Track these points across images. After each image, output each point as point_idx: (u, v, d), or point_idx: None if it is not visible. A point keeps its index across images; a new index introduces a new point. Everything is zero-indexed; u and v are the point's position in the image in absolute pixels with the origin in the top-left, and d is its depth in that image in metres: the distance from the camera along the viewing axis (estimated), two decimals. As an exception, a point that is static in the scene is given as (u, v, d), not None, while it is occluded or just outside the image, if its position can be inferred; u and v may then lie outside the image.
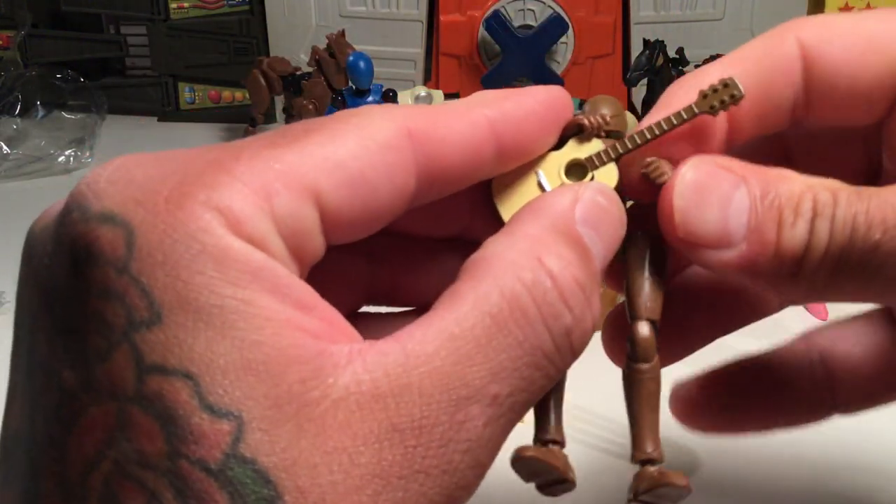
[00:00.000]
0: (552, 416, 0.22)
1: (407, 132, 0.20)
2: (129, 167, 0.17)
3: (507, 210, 0.23)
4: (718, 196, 0.21)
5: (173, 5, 0.88)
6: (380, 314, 0.27)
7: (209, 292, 0.16)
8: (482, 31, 0.81)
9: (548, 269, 0.19)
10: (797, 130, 0.25)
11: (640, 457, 0.22)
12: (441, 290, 0.19)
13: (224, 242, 0.16)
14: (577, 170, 0.24)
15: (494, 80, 0.79)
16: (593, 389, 0.33)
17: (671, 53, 0.74)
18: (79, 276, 0.17)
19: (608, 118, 0.23)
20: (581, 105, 0.26)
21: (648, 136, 0.23)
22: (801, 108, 0.24)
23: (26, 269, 0.18)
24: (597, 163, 0.23)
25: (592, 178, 0.23)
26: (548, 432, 0.22)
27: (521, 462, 0.21)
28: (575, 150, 0.24)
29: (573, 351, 0.19)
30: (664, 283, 0.23)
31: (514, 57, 0.79)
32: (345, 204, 0.19)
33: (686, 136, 0.23)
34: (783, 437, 0.41)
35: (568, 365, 0.20)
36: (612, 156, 0.23)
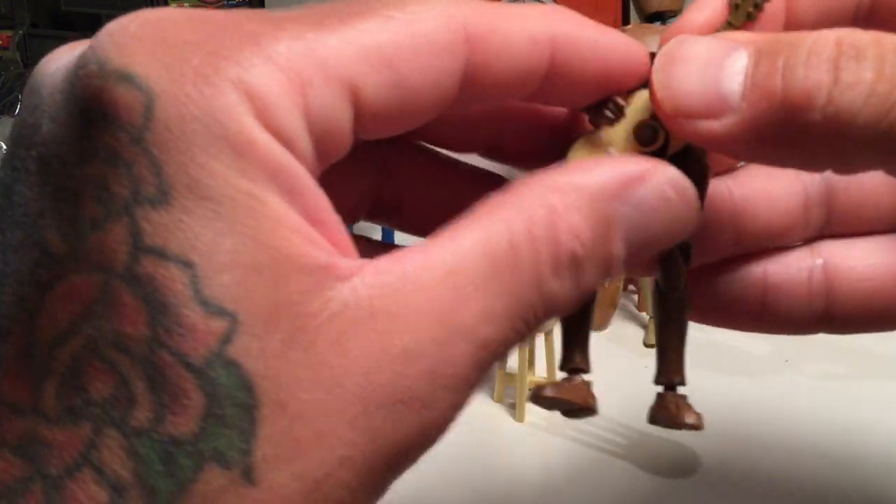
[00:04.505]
0: (578, 345, 0.22)
1: (465, 34, 0.18)
2: (161, 23, 0.16)
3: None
4: (707, 59, 0.19)
5: (173, 5, 0.88)
6: (380, 245, 0.25)
7: (224, 182, 0.15)
8: (482, 31, 0.80)
9: (552, 235, 0.18)
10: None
11: (661, 380, 0.22)
12: (445, 219, 0.17)
13: (248, 132, 0.15)
14: (646, 130, 0.22)
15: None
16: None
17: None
18: (87, 136, 0.15)
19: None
20: None
21: None
22: None
23: (24, 120, 0.17)
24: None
25: (666, 141, 0.21)
26: (573, 361, 0.22)
27: (541, 400, 0.21)
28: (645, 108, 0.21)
29: (550, 316, 0.18)
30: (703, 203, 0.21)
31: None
32: (382, 105, 0.17)
33: None
34: (783, 438, 0.41)
35: (541, 324, 0.19)
36: None
